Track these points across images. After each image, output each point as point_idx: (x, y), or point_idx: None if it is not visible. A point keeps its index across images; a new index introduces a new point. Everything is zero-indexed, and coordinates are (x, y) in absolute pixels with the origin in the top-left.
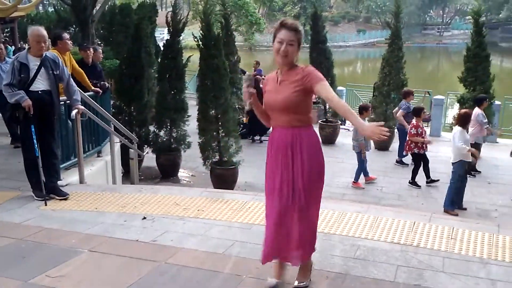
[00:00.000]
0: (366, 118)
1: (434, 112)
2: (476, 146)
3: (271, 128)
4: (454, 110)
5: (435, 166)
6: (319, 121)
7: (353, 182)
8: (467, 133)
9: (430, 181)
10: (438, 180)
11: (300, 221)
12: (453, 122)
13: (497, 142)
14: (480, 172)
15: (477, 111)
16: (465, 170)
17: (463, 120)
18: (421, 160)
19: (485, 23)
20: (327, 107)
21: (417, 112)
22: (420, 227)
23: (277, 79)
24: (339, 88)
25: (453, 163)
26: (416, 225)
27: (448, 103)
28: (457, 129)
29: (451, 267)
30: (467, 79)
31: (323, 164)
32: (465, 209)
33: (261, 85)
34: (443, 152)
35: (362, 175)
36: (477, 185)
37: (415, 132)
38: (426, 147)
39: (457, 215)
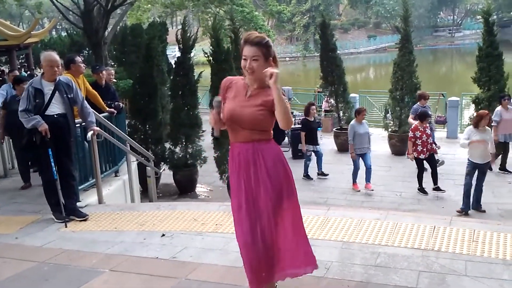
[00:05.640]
0: (364, 121)
1: (450, 114)
2: (504, 144)
3: (286, 139)
4: (469, 111)
5: (452, 168)
6: (334, 129)
7: (353, 184)
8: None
9: (436, 188)
10: (444, 191)
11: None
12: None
13: None
14: (511, 172)
15: (497, 109)
16: (470, 169)
17: (474, 121)
18: (422, 165)
19: (496, 22)
20: (341, 115)
21: (421, 116)
22: (440, 231)
23: (246, 92)
24: (352, 95)
25: None
26: (437, 229)
27: (464, 104)
28: (467, 127)
29: (474, 270)
30: (481, 79)
31: (290, 171)
32: (484, 211)
33: None
34: (460, 154)
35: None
36: (498, 185)
37: (412, 135)
38: (426, 152)
39: (484, 211)
